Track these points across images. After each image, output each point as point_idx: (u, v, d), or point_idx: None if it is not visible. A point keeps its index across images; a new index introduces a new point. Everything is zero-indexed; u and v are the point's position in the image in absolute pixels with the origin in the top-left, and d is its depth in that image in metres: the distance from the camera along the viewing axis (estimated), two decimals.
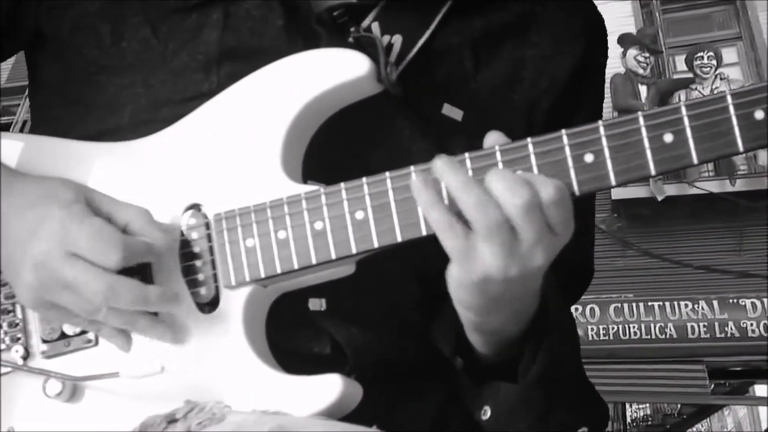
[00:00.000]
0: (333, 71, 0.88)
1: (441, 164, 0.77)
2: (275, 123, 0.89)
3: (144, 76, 0.96)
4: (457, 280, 0.80)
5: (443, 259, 0.81)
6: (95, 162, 0.95)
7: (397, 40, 0.95)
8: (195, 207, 0.90)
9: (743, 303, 8.59)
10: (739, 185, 9.27)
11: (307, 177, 0.91)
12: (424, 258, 0.90)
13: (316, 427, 0.78)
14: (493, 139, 0.79)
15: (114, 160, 0.95)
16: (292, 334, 0.91)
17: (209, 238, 0.88)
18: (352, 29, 0.93)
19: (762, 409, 10.00)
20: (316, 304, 0.91)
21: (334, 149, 0.93)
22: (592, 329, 8.21)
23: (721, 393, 9.02)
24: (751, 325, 8.49)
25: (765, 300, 8.58)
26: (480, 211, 0.74)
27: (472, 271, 0.77)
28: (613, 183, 0.75)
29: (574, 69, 1.01)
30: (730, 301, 8.61)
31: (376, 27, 0.95)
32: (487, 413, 0.91)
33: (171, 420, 0.83)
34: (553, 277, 0.85)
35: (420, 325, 0.97)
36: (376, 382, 0.86)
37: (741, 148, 0.72)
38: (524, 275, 0.78)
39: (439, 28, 0.96)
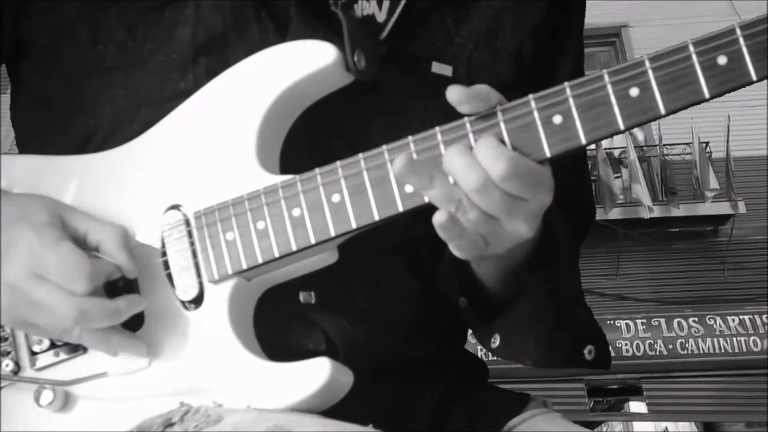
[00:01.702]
0: (300, 63, 0.88)
1: (399, 167, 0.76)
2: (248, 119, 0.90)
3: (122, 77, 0.96)
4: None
5: (436, 253, 0.84)
6: (78, 176, 0.95)
7: None
8: (175, 207, 0.91)
9: (619, 324, 9.04)
10: (617, 213, 9.82)
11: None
12: (415, 249, 0.94)
13: (313, 426, 0.78)
14: (453, 93, 0.77)
15: (95, 172, 0.95)
16: (285, 328, 0.92)
17: (190, 235, 0.89)
18: (331, 1, 0.92)
19: (636, 424, 10.57)
20: (306, 297, 0.92)
21: (327, 139, 0.94)
22: (482, 350, 8.39)
23: (599, 410, 9.43)
24: (626, 344, 8.94)
25: (638, 321, 9.08)
26: (450, 203, 0.76)
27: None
28: (584, 142, 0.76)
29: (551, 8, 1.02)
30: (608, 322, 9.01)
31: None
32: (497, 340, 0.93)
33: (168, 424, 0.83)
34: (557, 213, 0.86)
35: (415, 320, 0.98)
36: (371, 379, 0.86)
37: (707, 95, 0.73)
38: (513, 244, 0.80)
39: None
